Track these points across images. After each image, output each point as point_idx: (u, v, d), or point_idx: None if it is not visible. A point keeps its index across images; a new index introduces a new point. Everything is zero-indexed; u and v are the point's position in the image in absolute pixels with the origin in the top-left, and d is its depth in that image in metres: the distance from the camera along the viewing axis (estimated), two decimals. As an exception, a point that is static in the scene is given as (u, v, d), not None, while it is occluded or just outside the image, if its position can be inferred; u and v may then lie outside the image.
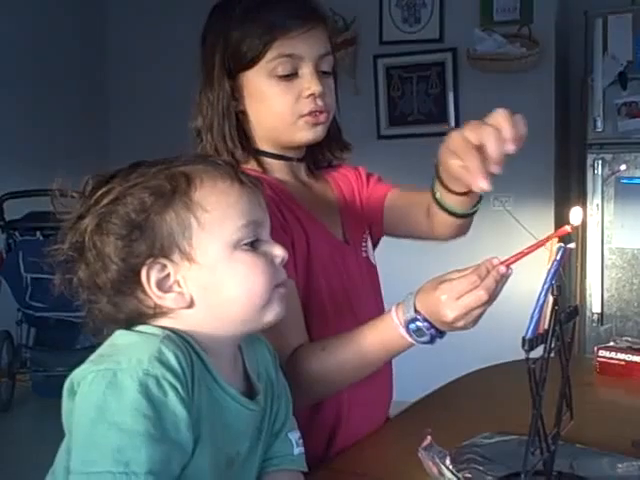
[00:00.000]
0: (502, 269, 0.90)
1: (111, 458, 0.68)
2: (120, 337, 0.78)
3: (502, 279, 0.91)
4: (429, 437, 0.96)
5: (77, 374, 0.74)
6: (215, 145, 1.15)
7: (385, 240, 1.36)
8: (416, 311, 0.96)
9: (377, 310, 1.03)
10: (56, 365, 3.54)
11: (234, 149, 1.16)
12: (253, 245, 0.81)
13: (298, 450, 0.92)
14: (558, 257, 0.82)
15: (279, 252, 0.83)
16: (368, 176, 1.34)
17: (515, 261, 0.91)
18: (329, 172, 1.32)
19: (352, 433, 1.15)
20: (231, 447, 0.82)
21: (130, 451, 0.69)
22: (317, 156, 1.28)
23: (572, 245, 0.84)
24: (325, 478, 1.00)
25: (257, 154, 1.19)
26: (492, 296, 0.90)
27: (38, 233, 3.61)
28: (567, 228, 0.85)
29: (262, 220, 0.83)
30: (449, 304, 0.91)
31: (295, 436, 0.92)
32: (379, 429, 1.21)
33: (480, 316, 0.93)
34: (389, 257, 1.32)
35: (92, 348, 0.77)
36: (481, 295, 0.89)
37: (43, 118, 4.16)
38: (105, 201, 0.78)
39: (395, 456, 1.07)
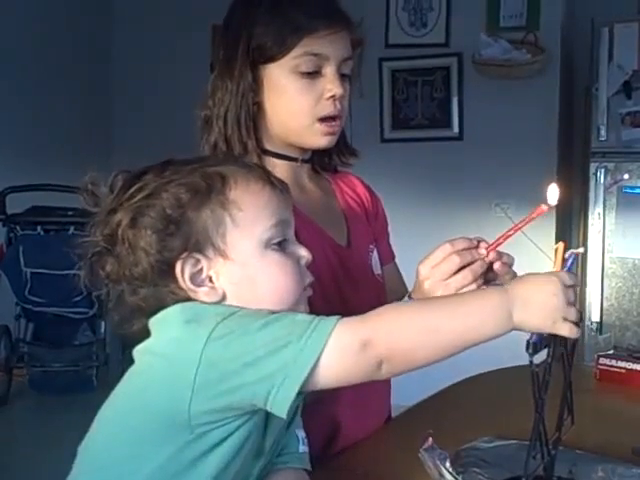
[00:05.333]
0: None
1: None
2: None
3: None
4: (430, 439, 0.96)
5: (161, 316, 0.78)
6: (225, 134, 1.14)
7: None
8: (410, 297, 1.04)
9: None
10: (53, 361, 3.48)
11: (247, 139, 1.14)
12: (281, 245, 0.83)
13: (303, 448, 0.92)
14: (568, 264, 0.83)
15: (304, 253, 0.85)
16: (381, 216, 1.35)
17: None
18: (336, 180, 1.31)
19: (350, 438, 1.15)
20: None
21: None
22: (324, 159, 1.27)
23: (581, 250, 0.85)
24: (325, 477, 1.00)
25: (262, 152, 1.18)
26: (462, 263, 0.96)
27: (39, 228, 3.61)
28: (543, 207, 0.88)
29: (289, 221, 0.86)
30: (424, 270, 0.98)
31: (302, 434, 0.93)
32: (380, 429, 1.21)
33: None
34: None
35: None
36: (453, 259, 0.96)
37: (45, 113, 4.15)
38: (140, 196, 0.80)
39: (396, 457, 1.07)
